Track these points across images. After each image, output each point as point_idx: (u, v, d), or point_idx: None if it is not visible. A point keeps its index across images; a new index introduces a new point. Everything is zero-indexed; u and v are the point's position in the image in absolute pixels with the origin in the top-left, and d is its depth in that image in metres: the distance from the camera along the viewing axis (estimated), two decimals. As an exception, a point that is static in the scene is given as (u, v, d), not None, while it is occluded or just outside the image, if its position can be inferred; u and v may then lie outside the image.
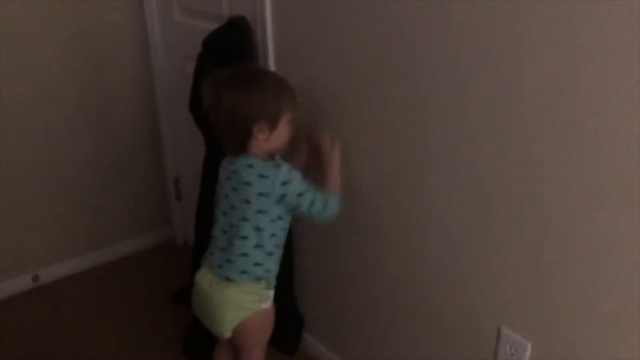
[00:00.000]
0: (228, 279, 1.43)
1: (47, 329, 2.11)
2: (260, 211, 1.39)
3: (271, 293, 1.50)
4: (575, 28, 0.98)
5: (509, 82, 1.11)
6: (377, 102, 1.41)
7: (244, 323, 1.47)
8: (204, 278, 1.49)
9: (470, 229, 1.30)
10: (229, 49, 1.67)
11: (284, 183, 1.36)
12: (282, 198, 1.38)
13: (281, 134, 1.40)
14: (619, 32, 0.93)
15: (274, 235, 1.43)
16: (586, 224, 1.07)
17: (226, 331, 1.48)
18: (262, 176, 1.36)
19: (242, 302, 1.45)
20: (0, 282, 2.26)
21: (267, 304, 1.49)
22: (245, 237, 1.41)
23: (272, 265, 1.46)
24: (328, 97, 1.53)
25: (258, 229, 1.40)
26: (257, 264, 1.42)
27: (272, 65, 1.67)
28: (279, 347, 1.90)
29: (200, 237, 1.99)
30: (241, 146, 1.39)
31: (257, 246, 1.41)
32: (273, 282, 1.49)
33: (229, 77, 1.36)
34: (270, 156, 1.46)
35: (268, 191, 1.37)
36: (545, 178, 1.11)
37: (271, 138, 1.38)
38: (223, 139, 1.42)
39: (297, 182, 1.38)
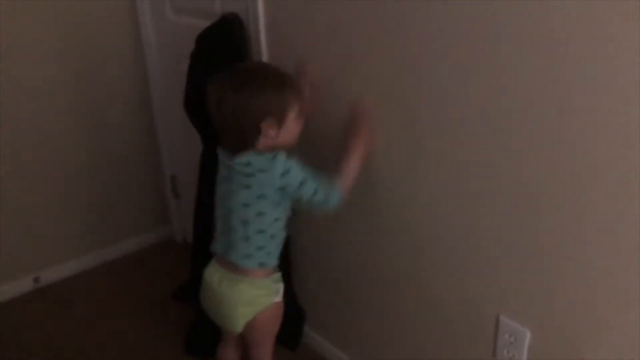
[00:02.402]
0: (234, 266, 1.43)
1: (49, 330, 2.12)
2: (261, 196, 1.37)
3: (281, 286, 1.50)
4: (563, 24, 0.99)
5: (500, 74, 1.12)
6: (372, 97, 1.42)
7: (256, 317, 1.47)
8: (214, 276, 1.48)
9: (467, 219, 1.30)
10: (222, 46, 1.67)
11: (283, 174, 1.34)
12: (282, 189, 1.36)
13: (291, 128, 1.37)
14: (608, 27, 0.94)
15: (276, 219, 1.42)
16: (584, 211, 1.08)
17: (238, 326, 1.48)
18: (261, 170, 1.35)
19: (253, 298, 1.45)
20: (1, 284, 2.26)
21: (279, 296, 1.49)
22: (245, 222, 1.40)
23: (274, 248, 1.46)
24: (323, 93, 1.53)
25: (260, 214, 1.39)
26: (259, 248, 1.42)
27: (265, 61, 1.67)
28: (281, 342, 1.90)
29: (200, 234, 2.00)
30: (248, 144, 1.36)
31: (260, 231, 1.41)
32: (276, 262, 1.49)
33: (230, 78, 1.34)
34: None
35: (268, 183, 1.35)
36: (542, 166, 1.11)
37: (281, 133, 1.36)
38: (228, 139, 1.40)
39: (296, 170, 1.35)
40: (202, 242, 1.86)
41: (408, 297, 1.54)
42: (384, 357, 1.70)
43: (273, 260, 1.48)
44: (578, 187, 1.07)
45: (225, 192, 1.44)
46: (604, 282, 1.09)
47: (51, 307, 2.25)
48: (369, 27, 1.35)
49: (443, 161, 1.31)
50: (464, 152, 1.25)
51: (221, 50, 1.67)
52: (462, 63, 1.18)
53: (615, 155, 1.00)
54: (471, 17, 1.13)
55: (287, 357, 1.92)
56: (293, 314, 1.93)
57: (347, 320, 1.80)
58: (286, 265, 1.79)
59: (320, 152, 1.57)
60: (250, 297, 1.45)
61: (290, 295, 1.90)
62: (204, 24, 1.75)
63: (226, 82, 1.34)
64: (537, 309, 1.23)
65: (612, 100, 0.97)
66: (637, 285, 1.04)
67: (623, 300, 1.07)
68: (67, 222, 2.38)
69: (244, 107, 1.31)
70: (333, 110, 1.53)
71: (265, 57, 1.67)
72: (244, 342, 1.60)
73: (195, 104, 1.76)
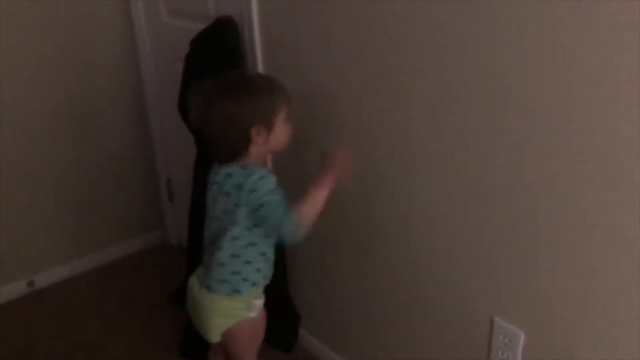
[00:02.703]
0: (209, 288, 1.43)
1: (43, 334, 2.11)
2: (235, 222, 1.35)
3: (258, 302, 1.48)
4: (561, 26, 0.99)
5: (494, 74, 1.12)
6: (366, 99, 1.42)
7: (232, 330, 1.46)
8: (194, 284, 1.49)
9: (463, 221, 1.31)
10: (216, 49, 1.68)
11: (250, 191, 1.31)
12: (251, 209, 1.33)
13: (280, 134, 1.37)
14: (606, 30, 0.94)
15: (252, 244, 1.39)
16: (577, 212, 1.08)
17: (214, 336, 1.48)
18: (237, 186, 1.33)
19: (228, 309, 1.44)
20: (-5, 288, 2.26)
21: (254, 312, 1.47)
22: (221, 248, 1.39)
23: (250, 274, 1.41)
24: (317, 94, 1.53)
25: (233, 239, 1.37)
26: (234, 273, 1.40)
27: (259, 64, 1.68)
28: (276, 345, 1.91)
29: (194, 237, 1.99)
30: (237, 153, 1.35)
31: (233, 256, 1.39)
32: (257, 291, 1.46)
33: (215, 87, 1.34)
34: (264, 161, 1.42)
35: (240, 201, 1.33)
36: (535, 169, 1.12)
37: (270, 139, 1.35)
38: (216, 149, 1.39)
39: (262, 191, 1.31)
40: (197, 245, 1.86)
41: (403, 300, 1.54)
42: (377, 358, 1.70)
43: (248, 289, 1.42)
44: (574, 189, 1.07)
45: (209, 209, 1.43)
46: (598, 283, 1.09)
47: (45, 311, 2.24)
48: (363, 29, 1.36)
49: (438, 163, 1.31)
50: (460, 155, 1.26)
51: (216, 53, 1.68)
52: (460, 62, 1.18)
53: (611, 156, 1.00)
54: (467, 15, 1.13)
55: (282, 360, 1.92)
56: (288, 317, 1.94)
57: (342, 323, 1.80)
58: (282, 268, 1.79)
59: (312, 159, 1.57)
60: (224, 309, 1.44)
61: (285, 298, 1.90)
62: (199, 27, 1.75)
63: (211, 92, 1.33)
64: (531, 311, 1.23)
65: (610, 98, 0.98)
66: (632, 287, 1.04)
67: (617, 302, 1.07)
68: (61, 225, 2.37)
69: (231, 116, 1.31)
70: (329, 112, 1.53)
71: (259, 60, 1.67)
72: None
73: (188, 117, 1.75)
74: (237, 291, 1.42)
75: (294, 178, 1.52)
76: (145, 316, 2.19)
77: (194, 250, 1.91)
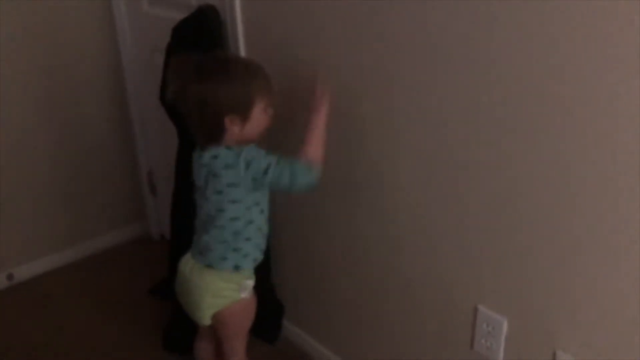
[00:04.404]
0: (209, 266, 1.43)
1: (23, 327, 2.09)
2: (233, 201, 1.37)
3: (249, 283, 1.49)
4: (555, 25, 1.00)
5: (485, 69, 1.13)
6: (349, 89, 1.41)
7: (223, 311, 1.47)
8: (187, 265, 1.49)
9: (446, 209, 1.31)
10: (198, 38, 1.66)
11: (247, 166, 1.33)
12: (254, 182, 1.35)
13: (256, 123, 1.36)
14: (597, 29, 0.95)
15: (250, 222, 1.41)
16: (561, 201, 1.09)
17: (205, 317, 1.48)
18: (227, 166, 1.34)
19: (220, 290, 1.45)
20: (-27, 282, 2.23)
21: (246, 293, 1.49)
22: (221, 227, 1.40)
23: (251, 249, 1.45)
24: (299, 84, 1.52)
25: (233, 218, 1.39)
26: (235, 250, 1.42)
27: (242, 53, 1.66)
28: (260, 336, 1.90)
29: (177, 230, 1.98)
30: (214, 138, 1.36)
31: (235, 233, 1.40)
32: (251, 269, 1.49)
33: (194, 67, 1.32)
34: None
35: (238, 181, 1.35)
36: (516, 156, 1.12)
37: (245, 128, 1.35)
38: (195, 130, 1.39)
39: (258, 160, 1.33)
40: (179, 238, 1.85)
41: (386, 288, 1.55)
42: (362, 348, 1.71)
43: (249, 263, 1.47)
44: (556, 177, 1.08)
45: (200, 191, 1.43)
46: (580, 271, 1.10)
47: (25, 305, 2.21)
48: (346, 17, 1.35)
49: (423, 152, 1.31)
50: (444, 144, 1.26)
51: (197, 41, 1.66)
52: (448, 54, 1.19)
53: (590, 143, 1.01)
54: (456, 11, 1.13)
55: (266, 351, 1.92)
56: (272, 307, 1.93)
57: (326, 313, 1.80)
58: (265, 257, 1.78)
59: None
60: (217, 289, 1.45)
61: (269, 288, 1.90)
62: (180, 15, 1.73)
63: (190, 72, 1.31)
64: (514, 298, 1.24)
65: (599, 94, 0.98)
66: (614, 275, 1.05)
67: (599, 290, 1.08)
68: (40, 218, 2.34)
69: (208, 100, 1.30)
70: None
71: (242, 49, 1.66)
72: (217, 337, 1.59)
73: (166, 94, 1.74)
74: (238, 267, 1.43)
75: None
76: (127, 309, 2.17)
77: (177, 243, 1.90)
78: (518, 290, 1.23)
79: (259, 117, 1.36)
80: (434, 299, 1.42)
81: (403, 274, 1.48)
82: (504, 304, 1.27)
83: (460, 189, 1.26)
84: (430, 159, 1.30)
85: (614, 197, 1.01)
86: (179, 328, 1.86)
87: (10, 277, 2.30)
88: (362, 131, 1.43)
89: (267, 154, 1.35)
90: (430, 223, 1.36)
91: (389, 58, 1.29)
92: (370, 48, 1.33)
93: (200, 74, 1.31)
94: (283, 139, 1.54)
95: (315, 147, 1.37)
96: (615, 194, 1.00)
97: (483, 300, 1.31)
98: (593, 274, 1.08)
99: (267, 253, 1.81)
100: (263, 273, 1.79)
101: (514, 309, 1.25)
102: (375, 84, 1.35)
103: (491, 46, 1.09)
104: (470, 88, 1.15)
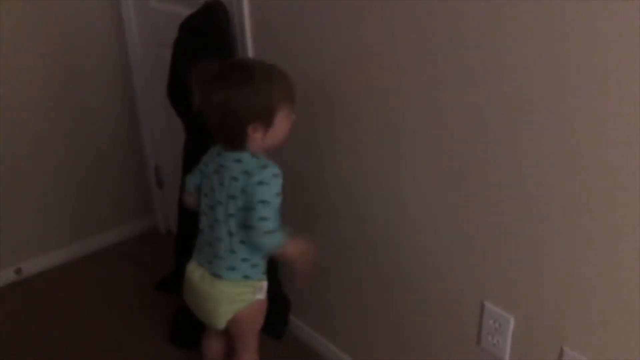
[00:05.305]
0: (217, 275, 1.42)
1: (31, 321, 2.10)
2: (248, 209, 1.34)
3: (265, 284, 1.48)
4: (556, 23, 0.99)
5: (489, 68, 1.12)
6: (356, 87, 1.41)
7: (239, 314, 1.46)
8: (194, 273, 1.47)
9: (453, 206, 1.31)
10: (205, 34, 1.66)
11: (260, 183, 1.31)
12: (249, 199, 1.33)
13: (279, 129, 1.35)
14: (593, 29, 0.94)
15: None
16: (567, 197, 1.09)
17: (221, 323, 1.47)
18: (246, 172, 1.33)
19: (235, 295, 1.44)
20: (-19, 276, 2.24)
21: (262, 294, 1.48)
22: (231, 234, 1.38)
23: (259, 260, 1.44)
24: (306, 82, 1.52)
25: (243, 226, 1.37)
26: (244, 260, 1.40)
27: (249, 49, 1.66)
28: (267, 332, 1.90)
29: (183, 224, 1.98)
30: (238, 145, 1.34)
31: (243, 242, 1.39)
32: (263, 276, 1.47)
33: (215, 76, 1.30)
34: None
35: (247, 189, 1.33)
36: (528, 155, 1.12)
37: (268, 135, 1.33)
38: (220, 136, 1.38)
39: (271, 190, 1.31)
40: (186, 233, 1.85)
41: (393, 285, 1.55)
42: (368, 343, 1.71)
43: (258, 274, 1.45)
44: (564, 174, 1.07)
45: (210, 195, 1.41)
46: (587, 269, 1.10)
47: (33, 299, 2.22)
48: (357, 15, 1.34)
49: (429, 148, 1.31)
50: (451, 138, 1.26)
51: (205, 38, 1.66)
52: (452, 57, 1.18)
53: (597, 141, 1.00)
54: (458, 14, 1.13)
55: (272, 346, 1.92)
56: (278, 303, 1.93)
57: (332, 308, 1.81)
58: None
59: (301, 147, 1.56)
60: (231, 295, 1.44)
61: (275, 284, 1.90)
62: (187, 11, 1.73)
63: (214, 79, 1.30)
64: (521, 295, 1.24)
65: (602, 95, 0.98)
66: (621, 273, 1.05)
67: (606, 286, 1.08)
68: (48, 212, 2.35)
69: (231, 108, 1.29)
70: (320, 99, 1.53)
71: (249, 45, 1.66)
72: (229, 334, 1.59)
73: (179, 92, 1.74)
74: (247, 277, 1.42)
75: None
76: (134, 304, 2.18)
77: (184, 238, 1.90)
78: (525, 286, 1.23)
79: (282, 123, 1.35)
80: (440, 295, 1.42)
81: (410, 271, 1.48)
82: (511, 300, 1.27)
83: (468, 185, 1.26)
84: (438, 154, 1.30)
85: (624, 194, 1.00)
86: (186, 323, 1.87)
87: (18, 271, 2.32)
88: (369, 127, 1.43)
89: (278, 194, 1.33)
90: (438, 219, 1.36)
91: (399, 56, 1.29)
92: (378, 45, 1.32)
93: (222, 81, 1.30)
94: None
95: (291, 244, 1.40)
96: (625, 191, 1.00)
97: (490, 297, 1.31)
98: (600, 270, 1.08)
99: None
100: (270, 269, 1.80)
101: (521, 305, 1.25)
102: (383, 82, 1.35)
103: (498, 43, 1.09)
104: (481, 84, 1.15)
